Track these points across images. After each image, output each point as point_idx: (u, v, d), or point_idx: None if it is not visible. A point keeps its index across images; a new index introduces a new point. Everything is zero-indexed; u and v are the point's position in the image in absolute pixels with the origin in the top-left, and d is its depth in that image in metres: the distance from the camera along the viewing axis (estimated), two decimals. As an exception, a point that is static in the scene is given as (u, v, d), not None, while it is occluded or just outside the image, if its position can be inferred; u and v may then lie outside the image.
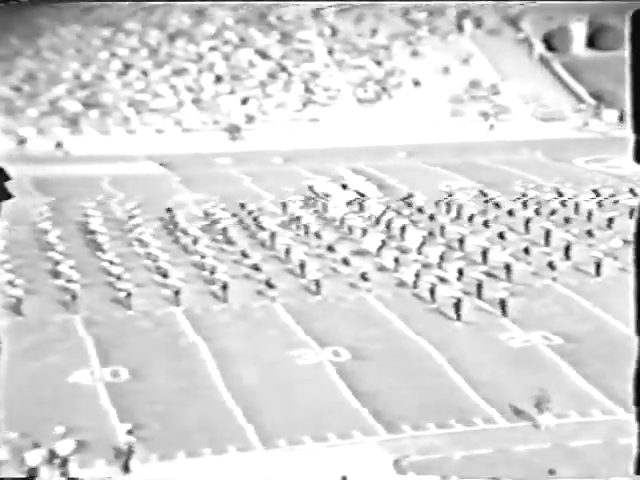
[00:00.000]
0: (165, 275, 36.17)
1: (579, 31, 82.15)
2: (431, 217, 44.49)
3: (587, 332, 31.64)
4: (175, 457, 23.62)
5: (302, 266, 37.29)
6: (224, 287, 34.99)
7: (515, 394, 26.61)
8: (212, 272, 36.48)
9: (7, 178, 20.82)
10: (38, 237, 42.15)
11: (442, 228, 42.49)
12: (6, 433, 23.82)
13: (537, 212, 44.92)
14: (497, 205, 46.66)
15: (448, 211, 45.67)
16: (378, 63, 78.78)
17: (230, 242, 41.14)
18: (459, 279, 36.04)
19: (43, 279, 36.75)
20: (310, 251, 39.79)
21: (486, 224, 43.35)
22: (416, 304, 34.51)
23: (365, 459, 23.56)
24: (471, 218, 44.32)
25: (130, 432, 23.75)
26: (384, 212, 44.65)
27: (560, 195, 47.41)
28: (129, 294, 34.22)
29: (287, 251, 39.42)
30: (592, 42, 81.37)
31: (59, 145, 63.57)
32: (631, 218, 41.33)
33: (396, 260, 37.92)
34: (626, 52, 17.64)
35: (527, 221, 43.03)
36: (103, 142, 65.85)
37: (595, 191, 48.22)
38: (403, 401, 26.62)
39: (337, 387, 27.58)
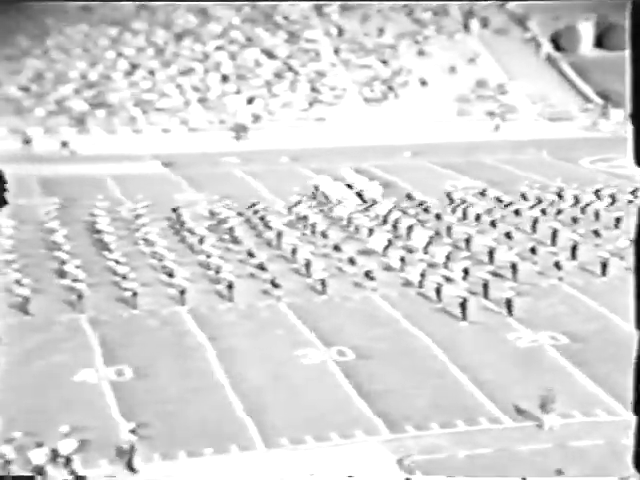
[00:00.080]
0: (171, 274, 36.18)
1: (586, 31, 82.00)
2: (438, 216, 44.48)
3: (593, 332, 31.58)
4: (178, 457, 23.60)
5: (308, 265, 37.31)
6: (230, 286, 35.00)
7: (520, 394, 26.54)
8: (218, 271, 36.49)
9: (4, 182, 20.78)
10: (45, 237, 42.23)
11: (449, 228, 42.47)
12: (11, 432, 23.84)
13: (544, 212, 44.82)
14: (500, 202, 46.56)
15: (454, 211, 45.64)
16: (384, 62, 78.71)
17: (236, 241, 41.16)
18: (465, 279, 36.00)
19: (50, 278, 36.81)
20: (316, 251, 39.78)
21: (493, 224, 43.30)
22: (422, 304, 34.47)
23: (368, 459, 23.53)
24: (478, 218, 44.29)
25: (133, 431, 23.75)
26: (390, 211, 44.61)
27: (560, 197, 47.29)
28: (135, 293, 34.26)
29: (293, 251, 39.42)
30: (600, 42, 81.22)
31: (65, 144, 63.69)
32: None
33: (402, 259, 37.90)
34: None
35: (534, 221, 42.97)
36: (109, 141, 65.98)
37: (598, 191, 48.12)
38: (408, 401, 26.59)
39: (342, 387, 27.56)
